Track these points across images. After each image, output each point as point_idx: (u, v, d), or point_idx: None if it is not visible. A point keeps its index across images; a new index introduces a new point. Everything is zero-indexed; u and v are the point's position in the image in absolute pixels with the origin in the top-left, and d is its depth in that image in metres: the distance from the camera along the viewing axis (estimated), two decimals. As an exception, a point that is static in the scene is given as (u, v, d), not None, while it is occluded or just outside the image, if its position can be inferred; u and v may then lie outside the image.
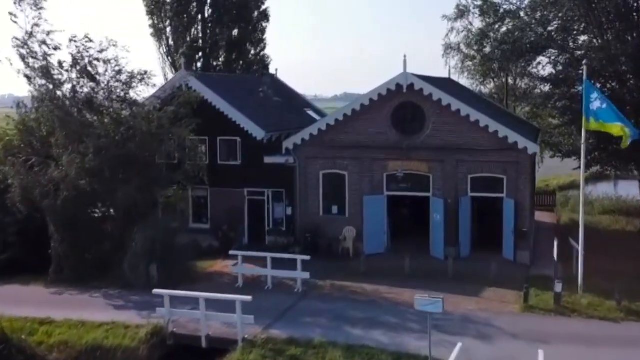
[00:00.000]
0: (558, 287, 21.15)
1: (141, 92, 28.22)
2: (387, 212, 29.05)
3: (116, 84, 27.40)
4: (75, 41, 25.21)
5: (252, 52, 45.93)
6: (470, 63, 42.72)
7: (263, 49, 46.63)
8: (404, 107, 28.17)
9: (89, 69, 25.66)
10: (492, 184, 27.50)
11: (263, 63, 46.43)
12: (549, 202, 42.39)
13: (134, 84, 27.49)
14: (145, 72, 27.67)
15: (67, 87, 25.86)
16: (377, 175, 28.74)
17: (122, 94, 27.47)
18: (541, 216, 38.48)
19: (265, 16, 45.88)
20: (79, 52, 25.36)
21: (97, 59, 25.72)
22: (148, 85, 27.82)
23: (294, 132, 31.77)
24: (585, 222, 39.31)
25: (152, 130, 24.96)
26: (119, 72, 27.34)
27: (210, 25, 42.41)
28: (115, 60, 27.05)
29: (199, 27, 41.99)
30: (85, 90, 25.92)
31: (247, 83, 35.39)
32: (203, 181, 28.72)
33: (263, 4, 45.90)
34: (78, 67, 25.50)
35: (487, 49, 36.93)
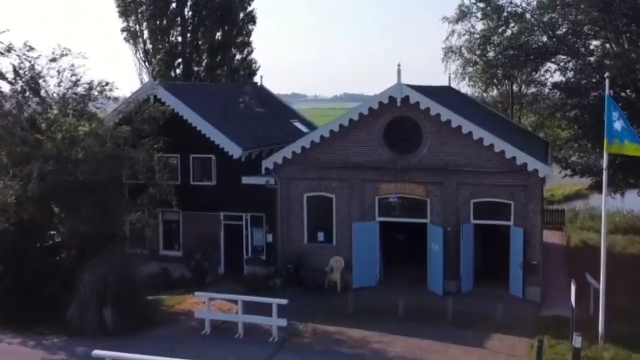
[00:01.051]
0: (577, 341, 17.89)
1: (102, 106, 25.11)
2: (380, 240, 25.84)
3: (72, 96, 24.32)
4: (14, 50, 22.00)
5: (238, 56, 42.73)
6: (471, 69, 39.47)
7: (250, 53, 43.47)
8: (398, 122, 24.99)
9: (36, 81, 22.43)
10: (498, 210, 24.31)
11: (250, 68, 43.24)
12: (557, 219, 39.17)
13: (92, 96, 24.40)
14: (107, 83, 24.63)
15: (12, 101, 22.62)
16: (368, 199, 25.54)
17: (79, 107, 24.36)
18: (549, 236, 35.15)
19: (251, 18, 42.68)
20: (20, 62, 22.16)
21: (44, 71, 22.49)
22: (109, 98, 24.68)
23: (277, 147, 28.60)
24: (596, 243, 36.58)
25: (107, 152, 21.69)
26: (76, 83, 24.30)
27: (190, 28, 39.14)
28: (71, 70, 24.03)
29: (178, 31, 38.66)
30: (32, 105, 22.68)
31: (226, 93, 32.15)
32: (173, 204, 25.51)
33: (249, 5, 42.76)
34: (21, 80, 22.29)
35: (491, 54, 33.67)
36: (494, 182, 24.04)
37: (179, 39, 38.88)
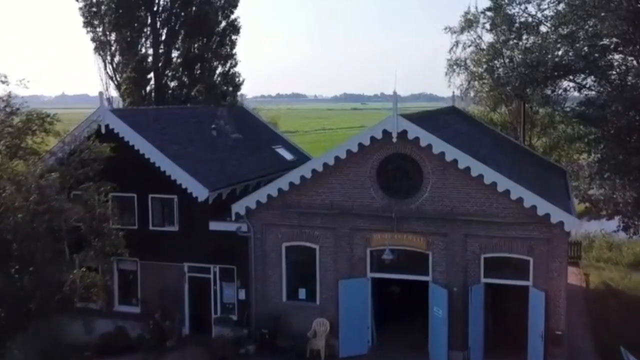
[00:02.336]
0: None
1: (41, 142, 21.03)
2: (372, 299, 21.68)
3: (6, 130, 20.25)
4: None
5: (220, 69, 38.45)
6: (477, 83, 35.26)
7: (233, 65, 39.12)
8: (394, 160, 20.85)
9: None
10: (514, 267, 20.21)
11: (233, 82, 38.95)
12: (573, 252, 34.97)
13: (31, 131, 20.36)
14: (48, 115, 20.60)
15: None
16: (358, 251, 21.39)
17: (16, 142, 20.29)
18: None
19: (234, 28, 38.37)
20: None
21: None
22: (48, 132, 20.60)
23: (254, 183, 24.61)
24: (620, 285, 32.46)
25: (31, 207, 17.51)
26: (11, 114, 20.28)
27: (163, 39, 34.87)
28: (5, 101, 20.04)
29: (149, 43, 34.36)
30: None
31: (196, 117, 27.88)
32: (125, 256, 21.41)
33: (231, 13, 38.44)
34: None
35: (500, 71, 29.46)
36: (509, 234, 19.92)
37: (150, 51, 34.51)
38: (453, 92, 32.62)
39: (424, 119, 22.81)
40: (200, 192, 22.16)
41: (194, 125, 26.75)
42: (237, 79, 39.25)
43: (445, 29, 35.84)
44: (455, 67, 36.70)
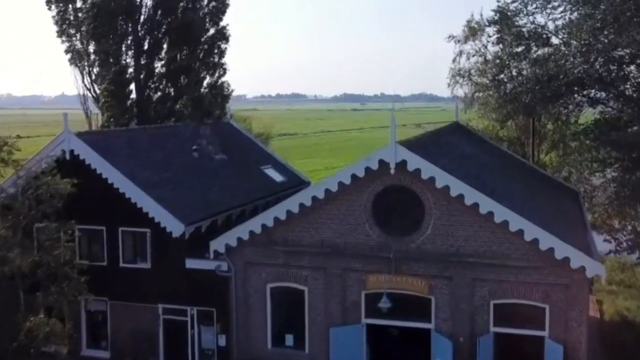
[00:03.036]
0: None
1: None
2: (367, 347, 19.30)
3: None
4: None
5: (208, 79, 36.07)
6: (481, 95, 32.78)
7: (222, 75, 36.75)
8: (391, 193, 18.48)
9: None
10: (528, 315, 17.86)
11: (221, 93, 36.55)
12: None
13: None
14: (5, 143, 18.35)
15: None
16: (352, 294, 19.03)
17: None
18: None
19: (223, 36, 35.97)
20: None
21: None
22: (7, 163, 18.31)
23: (238, 212, 22.28)
24: (637, 317, 30.04)
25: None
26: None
27: (145, 49, 32.44)
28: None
29: (130, 53, 31.90)
30: None
31: (176, 136, 25.46)
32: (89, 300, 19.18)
33: (220, 19, 36.03)
34: None
35: (508, 86, 27.02)
36: (522, 278, 17.58)
37: (131, 62, 32.02)
38: (457, 106, 30.19)
39: (425, 143, 20.44)
40: (174, 226, 19.78)
41: (173, 147, 24.38)
42: (226, 90, 36.92)
43: (449, 37, 33.47)
44: (458, 77, 34.30)
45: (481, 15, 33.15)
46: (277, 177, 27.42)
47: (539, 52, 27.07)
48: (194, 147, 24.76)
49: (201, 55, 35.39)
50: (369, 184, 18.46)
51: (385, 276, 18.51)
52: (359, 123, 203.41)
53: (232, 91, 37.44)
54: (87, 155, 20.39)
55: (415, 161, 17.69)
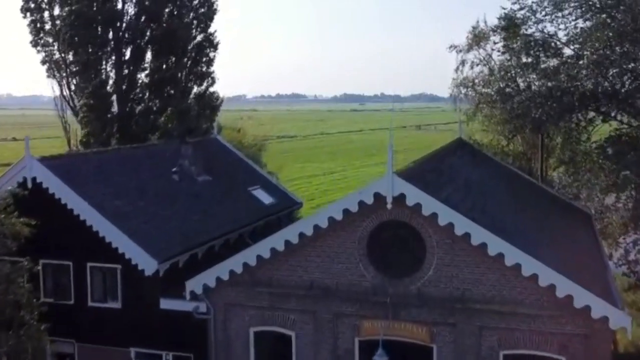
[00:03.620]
0: None
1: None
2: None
3: None
4: None
5: (196, 89, 34.06)
6: (486, 107, 30.68)
7: (211, 84, 34.78)
8: (388, 229, 16.43)
9: None
10: (542, 368, 15.79)
11: (210, 104, 34.57)
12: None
13: None
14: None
15: None
16: (345, 341, 17.00)
17: None
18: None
19: (211, 43, 33.95)
20: None
21: None
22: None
23: (221, 243, 20.32)
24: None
25: None
26: None
27: (127, 59, 30.34)
28: None
29: (111, 63, 29.77)
30: None
31: (155, 157, 23.37)
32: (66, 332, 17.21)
33: (208, 26, 34.02)
34: None
35: (515, 100, 24.90)
36: (536, 327, 15.54)
37: (113, 73, 29.90)
38: (460, 122, 28.14)
39: (425, 171, 18.40)
40: (147, 263, 17.76)
41: (151, 169, 22.31)
42: (215, 100, 34.94)
43: (450, 47, 31.38)
44: (461, 87, 32.25)
45: (485, 22, 31.08)
46: (266, 198, 25.38)
47: (549, 63, 25.05)
48: (174, 170, 22.71)
49: (188, 64, 33.42)
50: (363, 219, 16.42)
51: (381, 322, 16.48)
52: (358, 124, 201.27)
53: (221, 101, 35.53)
54: (50, 183, 18.37)
55: (415, 195, 15.64)
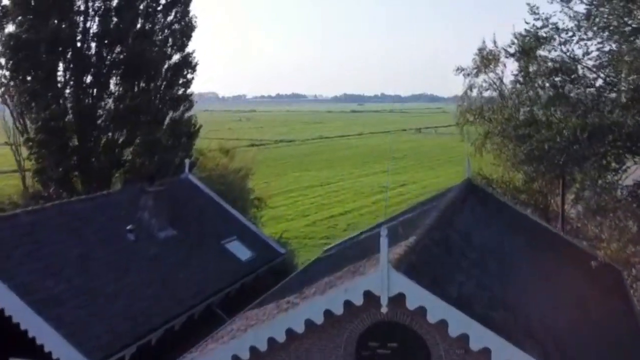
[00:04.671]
0: None
1: None
2: None
3: None
4: None
5: (172, 114, 30.37)
6: (497, 139, 27.02)
7: (188, 108, 31.11)
8: (382, 332, 12.71)
9: None
10: None
11: (188, 130, 30.87)
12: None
13: None
14: None
15: None
16: None
17: None
18: None
19: (188, 63, 30.32)
20: None
21: None
22: None
23: (185, 318, 16.71)
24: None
25: None
26: None
27: (88, 85, 26.54)
28: None
29: (69, 90, 25.98)
30: None
31: (106, 210, 19.59)
32: None
33: (185, 45, 30.39)
34: None
35: (534, 141, 21.09)
36: None
37: (71, 101, 26.08)
38: (468, 161, 24.46)
39: (431, 244, 14.64)
40: (78, 368, 14.05)
41: (100, 229, 18.59)
42: (192, 126, 31.24)
43: (457, 70, 27.63)
44: (467, 114, 28.52)
45: (495, 42, 27.31)
46: (243, 253, 21.71)
47: (575, 93, 21.30)
48: (129, 228, 18.98)
49: (162, 87, 29.75)
50: (350, 320, 12.72)
51: None
52: (357, 127, 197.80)
53: (199, 127, 31.82)
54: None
55: (418, 295, 11.91)
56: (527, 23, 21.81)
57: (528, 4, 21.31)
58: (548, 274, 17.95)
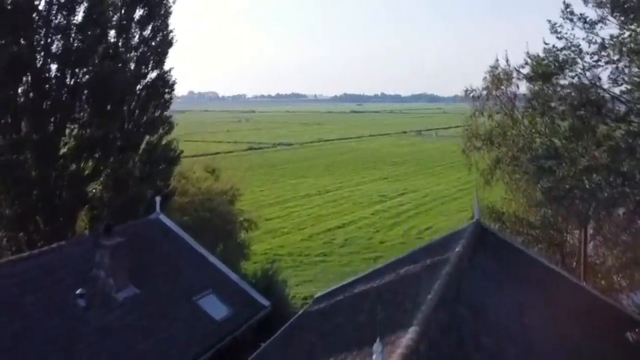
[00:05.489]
0: None
1: None
2: None
3: None
4: None
5: (147, 139, 27.46)
6: (508, 168, 24.11)
7: (167, 131, 28.28)
8: None
9: None
10: None
11: (165, 157, 27.94)
12: None
13: None
14: None
15: None
16: None
17: None
18: None
19: (165, 83, 27.48)
20: None
21: None
22: None
23: None
24: None
25: None
26: None
27: (47, 114, 23.48)
28: None
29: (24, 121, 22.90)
30: None
31: (55, 271, 16.66)
32: None
33: (163, 62, 27.51)
34: None
35: (556, 179, 18.19)
36: None
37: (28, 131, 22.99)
38: (476, 202, 21.54)
39: (438, 337, 11.74)
40: None
41: (43, 297, 15.65)
42: (172, 151, 28.30)
43: (466, 91, 24.72)
44: (474, 139, 25.65)
45: (507, 60, 24.39)
46: (219, 310, 18.83)
47: (603, 128, 18.40)
48: (79, 292, 16.05)
49: (136, 110, 26.82)
50: None
51: None
52: (357, 129, 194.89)
53: (180, 152, 28.89)
54: None
55: None
56: (546, 44, 18.90)
57: (549, 21, 18.44)
58: (578, 350, 15.02)
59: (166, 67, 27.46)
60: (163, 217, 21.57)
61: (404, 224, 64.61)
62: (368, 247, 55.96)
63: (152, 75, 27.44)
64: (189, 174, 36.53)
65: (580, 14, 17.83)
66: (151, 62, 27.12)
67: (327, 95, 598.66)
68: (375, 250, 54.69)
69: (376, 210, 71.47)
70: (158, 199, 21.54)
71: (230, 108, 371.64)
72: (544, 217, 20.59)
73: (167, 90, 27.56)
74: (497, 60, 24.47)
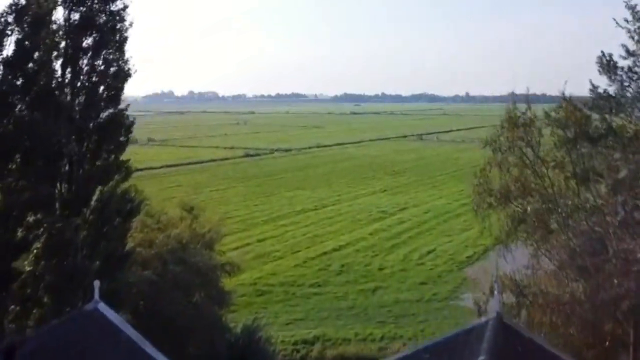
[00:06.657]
0: None
1: None
2: None
3: None
4: None
5: (100, 189, 23.16)
6: (538, 237, 19.69)
7: (124, 178, 23.98)
8: None
9: None
10: None
11: (122, 211, 23.60)
12: None
13: None
14: None
15: None
16: None
17: None
18: None
19: (119, 124, 23.22)
20: None
21: None
22: None
23: None
24: None
25: None
26: None
27: None
28: None
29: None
30: None
31: None
32: None
33: (119, 98, 23.28)
34: None
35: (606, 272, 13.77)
36: None
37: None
38: (497, 284, 17.26)
39: None
40: None
41: None
42: (130, 202, 23.97)
43: (484, 144, 20.27)
44: (485, 194, 21.24)
45: (528, 100, 19.98)
46: None
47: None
48: None
49: (85, 155, 22.53)
50: None
51: None
52: (356, 133, 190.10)
53: (138, 203, 24.58)
54: None
55: None
56: (592, 89, 14.52)
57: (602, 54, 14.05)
58: None
59: (122, 105, 23.17)
60: (103, 307, 17.00)
61: (404, 245, 60.82)
62: (365, 275, 52.18)
63: (106, 113, 23.16)
64: (162, 213, 32.23)
65: None
66: (103, 99, 22.82)
67: (327, 95, 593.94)
68: (373, 278, 50.97)
69: (375, 230, 67.41)
70: (97, 283, 17.03)
71: (230, 109, 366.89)
72: (585, 320, 16.17)
73: (123, 131, 23.23)
74: (514, 102, 20.04)
